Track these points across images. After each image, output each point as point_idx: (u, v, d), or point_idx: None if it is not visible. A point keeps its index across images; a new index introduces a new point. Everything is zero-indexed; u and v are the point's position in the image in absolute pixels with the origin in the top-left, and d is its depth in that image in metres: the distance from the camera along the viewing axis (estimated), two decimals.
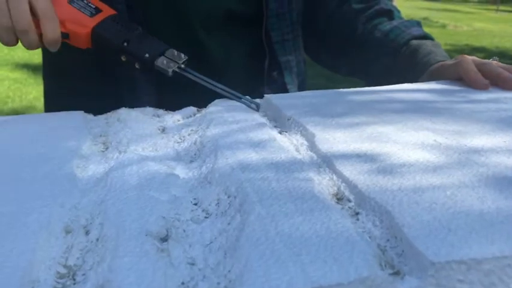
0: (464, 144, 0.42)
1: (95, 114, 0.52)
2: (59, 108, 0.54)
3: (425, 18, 8.70)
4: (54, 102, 0.72)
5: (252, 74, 0.70)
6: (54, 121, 0.49)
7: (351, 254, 0.25)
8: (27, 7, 0.52)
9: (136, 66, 0.56)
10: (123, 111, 0.51)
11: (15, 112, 2.85)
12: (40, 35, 0.54)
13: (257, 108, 0.53)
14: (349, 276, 0.23)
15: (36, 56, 4.00)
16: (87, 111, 0.53)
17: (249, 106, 0.53)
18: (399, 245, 0.27)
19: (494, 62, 0.63)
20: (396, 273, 0.26)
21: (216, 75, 0.59)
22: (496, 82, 0.60)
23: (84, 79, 0.67)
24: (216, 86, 0.56)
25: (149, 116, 0.51)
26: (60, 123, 0.48)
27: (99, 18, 0.57)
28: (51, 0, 0.54)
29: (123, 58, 0.57)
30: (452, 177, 0.35)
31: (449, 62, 0.65)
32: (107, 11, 0.58)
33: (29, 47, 0.54)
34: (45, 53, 0.71)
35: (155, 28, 0.62)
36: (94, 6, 0.58)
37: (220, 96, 0.56)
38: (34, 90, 3.27)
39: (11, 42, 0.54)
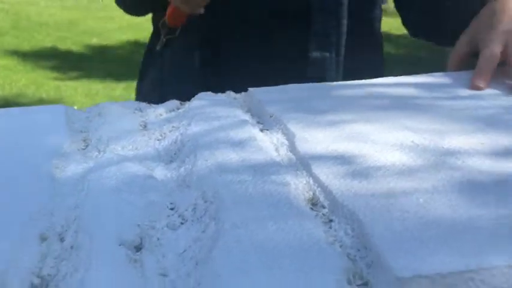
0: (441, 145, 0.42)
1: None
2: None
3: None
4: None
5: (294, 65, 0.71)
6: (35, 116, 0.49)
7: (321, 269, 0.25)
8: None
9: None
10: (105, 105, 0.51)
11: (6, 100, 2.81)
12: None
13: None
14: None
15: (25, 43, 3.93)
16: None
17: None
18: (369, 255, 0.28)
19: None
20: (364, 284, 0.27)
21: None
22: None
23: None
24: None
25: (131, 110, 0.51)
26: (41, 118, 0.48)
27: None
28: None
29: None
30: (426, 182, 0.35)
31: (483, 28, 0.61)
32: None
33: None
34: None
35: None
36: None
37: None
38: (24, 78, 3.23)
39: None
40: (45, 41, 4.03)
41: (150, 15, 0.81)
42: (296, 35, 0.72)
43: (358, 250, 0.29)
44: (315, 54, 0.73)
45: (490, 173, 0.37)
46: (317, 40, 0.72)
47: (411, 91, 0.57)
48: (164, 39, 0.71)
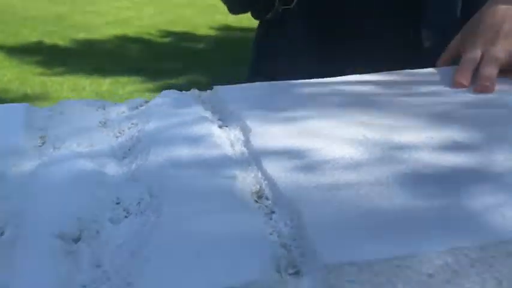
0: (391, 140, 0.43)
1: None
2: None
3: None
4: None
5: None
6: None
7: (250, 257, 0.26)
8: None
9: None
10: (68, 103, 0.52)
11: None
12: None
13: None
14: (241, 280, 0.24)
15: (11, 38, 3.89)
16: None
17: None
18: (303, 244, 0.29)
19: None
20: (296, 272, 0.28)
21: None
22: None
23: None
24: None
25: (94, 108, 0.51)
26: (1, 116, 0.48)
27: None
28: None
29: None
30: (370, 175, 0.37)
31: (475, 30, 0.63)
32: None
33: None
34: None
35: None
36: None
37: None
38: (9, 73, 3.20)
39: None
40: (31, 35, 4.00)
41: None
42: (407, 22, 0.73)
43: (294, 240, 0.30)
44: (427, 43, 0.73)
45: (434, 166, 0.39)
46: (429, 29, 0.73)
47: (372, 88, 0.59)
48: (280, 9, 0.70)
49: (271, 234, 0.30)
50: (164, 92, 0.55)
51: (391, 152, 0.41)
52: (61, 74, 3.23)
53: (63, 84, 3.05)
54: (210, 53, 3.23)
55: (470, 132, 0.45)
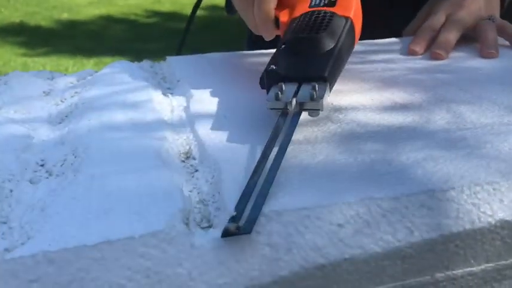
0: (331, 102, 0.44)
1: None
2: None
3: None
4: None
5: None
6: None
7: (160, 211, 0.27)
8: None
9: None
10: (15, 74, 0.51)
11: None
12: None
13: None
14: (142, 230, 0.25)
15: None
16: None
17: None
18: (219, 200, 0.29)
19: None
20: (209, 226, 0.28)
21: None
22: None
23: None
24: None
25: (43, 79, 0.51)
26: None
27: None
28: None
29: None
30: (300, 134, 0.37)
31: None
32: None
33: None
34: None
35: None
36: None
37: None
38: None
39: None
40: (13, 16, 3.93)
41: None
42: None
43: (213, 195, 0.30)
44: None
45: (368, 125, 0.39)
46: None
47: None
48: None
49: (190, 191, 0.31)
50: (114, 62, 0.55)
51: (326, 113, 0.41)
52: (43, 54, 3.19)
53: (46, 65, 3.01)
54: (198, 34, 3.19)
55: (411, 95, 0.45)
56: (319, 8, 0.39)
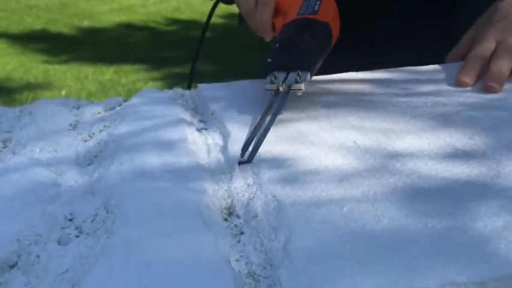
0: (384, 147, 0.39)
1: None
2: None
3: None
4: None
5: None
6: None
7: None
8: None
9: None
10: (40, 103, 0.48)
11: None
12: None
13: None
14: None
15: (14, 26, 3.87)
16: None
17: None
18: (273, 274, 0.26)
19: None
20: None
21: None
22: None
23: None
24: None
25: (68, 109, 0.48)
26: None
27: None
28: None
29: None
30: (356, 188, 0.33)
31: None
32: None
33: None
34: None
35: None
36: None
37: None
38: (12, 61, 3.18)
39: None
40: (35, 23, 3.97)
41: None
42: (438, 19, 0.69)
43: (264, 268, 0.26)
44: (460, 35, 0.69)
45: (430, 178, 0.34)
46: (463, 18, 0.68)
47: (369, 87, 0.54)
48: None
49: (237, 260, 0.27)
50: (143, 91, 0.51)
51: (383, 161, 0.37)
52: (65, 62, 3.21)
53: (67, 73, 3.03)
54: (217, 42, 3.18)
55: (471, 139, 0.41)
56: (304, 16, 0.51)
